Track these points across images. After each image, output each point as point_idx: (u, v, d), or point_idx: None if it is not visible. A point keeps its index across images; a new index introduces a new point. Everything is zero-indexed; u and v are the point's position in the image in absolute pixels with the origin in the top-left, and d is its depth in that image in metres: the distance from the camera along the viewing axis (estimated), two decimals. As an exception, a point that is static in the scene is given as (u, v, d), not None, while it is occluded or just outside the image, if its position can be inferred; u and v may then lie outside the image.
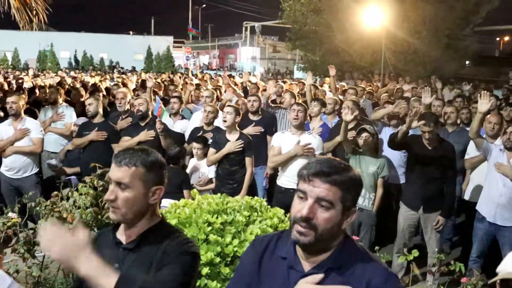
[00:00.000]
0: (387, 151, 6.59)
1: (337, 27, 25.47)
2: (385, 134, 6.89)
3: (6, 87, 10.99)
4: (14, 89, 11.37)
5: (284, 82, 12.55)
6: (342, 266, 1.87)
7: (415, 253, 4.37)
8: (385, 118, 7.06)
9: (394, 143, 5.73)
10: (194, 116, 7.65)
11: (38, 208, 4.31)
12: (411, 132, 5.76)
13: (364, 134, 5.71)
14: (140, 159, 2.09)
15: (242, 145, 5.93)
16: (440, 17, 22.64)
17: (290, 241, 1.93)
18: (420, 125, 5.41)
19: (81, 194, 4.32)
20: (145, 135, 6.49)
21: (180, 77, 17.00)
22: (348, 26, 24.10)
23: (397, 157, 6.75)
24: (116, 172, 2.09)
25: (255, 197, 4.00)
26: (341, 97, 9.19)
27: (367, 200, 5.69)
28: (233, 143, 5.93)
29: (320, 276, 1.80)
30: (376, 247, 4.46)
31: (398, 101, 7.26)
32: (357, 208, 1.93)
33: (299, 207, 1.85)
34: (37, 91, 11.23)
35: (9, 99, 6.45)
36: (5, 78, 16.27)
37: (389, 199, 6.41)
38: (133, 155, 2.11)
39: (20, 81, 15.50)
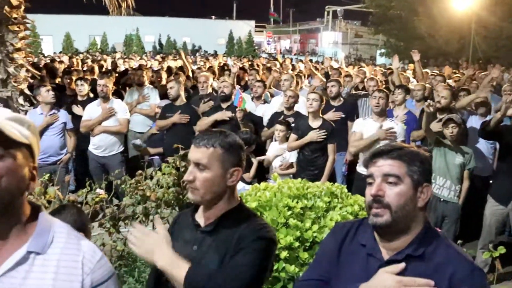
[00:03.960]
0: (474, 141, 6.28)
1: (424, 11, 24.56)
2: (472, 123, 6.58)
3: (97, 70, 11.49)
4: (104, 71, 11.85)
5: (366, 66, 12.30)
6: (424, 255, 1.82)
7: (501, 249, 4.14)
8: (472, 106, 6.74)
9: (486, 132, 5.44)
10: (274, 101, 7.65)
11: (123, 186, 4.48)
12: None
13: (451, 125, 5.45)
14: (218, 140, 2.11)
15: (325, 135, 5.88)
16: (537, 0, 21.19)
17: (370, 228, 1.92)
18: None
19: (164, 174, 4.45)
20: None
21: (266, 63, 16.98)
22: (436, 10, 23.14)
23: (484, 148, 6.43)
24: (195, 153, 2.12)
25: (336, 183, 3.94)
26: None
27: (452, 192, 5.45)
28: (315, 132, 5.89)
29: (401, 266, 1.76)
30: (459, 241, 4.26)
31: (483, 85, 6.90)
32: (431, 184, 1.90)
33: (370, 191, 1.87)
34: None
35: (100, 82, 6.73)
36: (97, 61, 16.99)
37: (475, 192, 6.11)
38: (211, 136, 2.13)
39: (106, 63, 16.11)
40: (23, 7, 8.17)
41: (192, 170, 2.12)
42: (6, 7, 7.78)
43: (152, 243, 2.04)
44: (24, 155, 1.45)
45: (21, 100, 7.79)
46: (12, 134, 1.39)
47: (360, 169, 5.88)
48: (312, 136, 5.88)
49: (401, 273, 1.80)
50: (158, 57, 25.58)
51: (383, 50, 32.38)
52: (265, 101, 7.69)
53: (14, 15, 7.96)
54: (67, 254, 1.46)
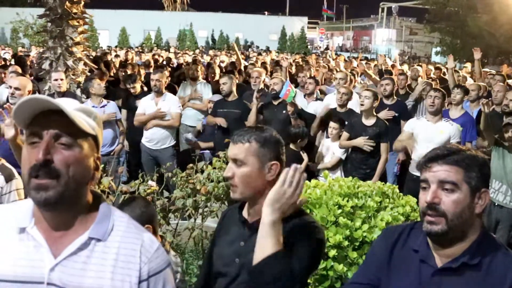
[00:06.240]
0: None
1: (483, 8, 23.73)
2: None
3: (152, 63, 11.74)
4: (157, 65, 12.08)
5: (420, 66, 12.02)
6: (480, 264, 1.75)
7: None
8: None
9: None
10: (327, 98, 7.60)
11: (174, 179, 4.55)
12: None
13: (511, 129, 5.22)
14: (254, 135, 2.12)
15: (372, 147, 5.84)
16: None
17: (423, 232, 1.85)
18: None
19: (214, 168, 4.49)
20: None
21: (316, 59, 16.95)
22: (496, 6, 22.32)
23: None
24: (232, 149, 2.14)
25: (387, 183, 3.88)
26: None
27: (508, 198, 5.21)
28: (364, 139, 5.85)
29: None
30: (515, 247, 4.11)
31: None
32: (490, 190, 1.80)
33: (424, 197, 1.79)
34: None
35: (153, 77, 6.83)
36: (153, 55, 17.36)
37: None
38: (247, 132, 2.15)
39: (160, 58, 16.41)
40: (82, 3, 8.44)
41: (231, 166, 2.14)
42: (67, 3, 8.07)
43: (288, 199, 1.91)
44: (90, 145, 1.51)
45: (78, 92, 8.05)
46: (81, 125, 1.44)
47: (412, 169, 5.76)
48: (359, 142, 5.86)
49: (457, 281, 1.75)
50: (210, 52, 25.83)
51: (438, 49, 31.54)
52: (317, 98, 7.64)
53: (74, 10, 8.24)
54: (126, 242, 1.51)
